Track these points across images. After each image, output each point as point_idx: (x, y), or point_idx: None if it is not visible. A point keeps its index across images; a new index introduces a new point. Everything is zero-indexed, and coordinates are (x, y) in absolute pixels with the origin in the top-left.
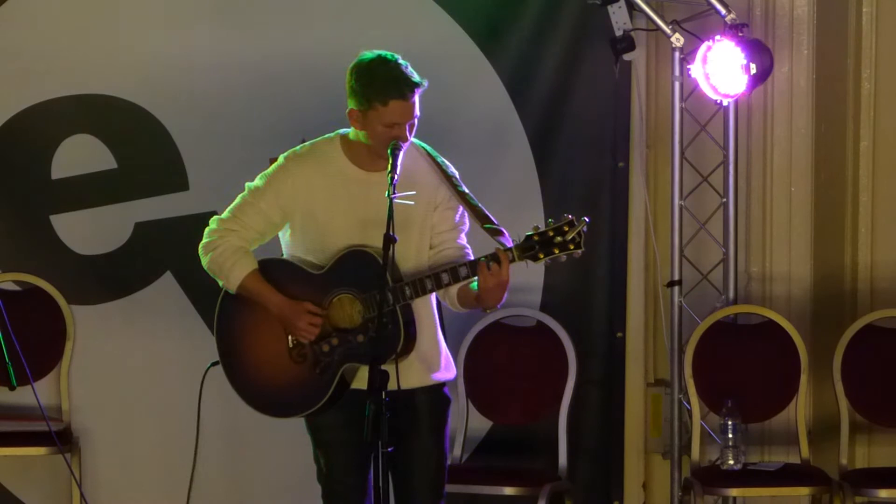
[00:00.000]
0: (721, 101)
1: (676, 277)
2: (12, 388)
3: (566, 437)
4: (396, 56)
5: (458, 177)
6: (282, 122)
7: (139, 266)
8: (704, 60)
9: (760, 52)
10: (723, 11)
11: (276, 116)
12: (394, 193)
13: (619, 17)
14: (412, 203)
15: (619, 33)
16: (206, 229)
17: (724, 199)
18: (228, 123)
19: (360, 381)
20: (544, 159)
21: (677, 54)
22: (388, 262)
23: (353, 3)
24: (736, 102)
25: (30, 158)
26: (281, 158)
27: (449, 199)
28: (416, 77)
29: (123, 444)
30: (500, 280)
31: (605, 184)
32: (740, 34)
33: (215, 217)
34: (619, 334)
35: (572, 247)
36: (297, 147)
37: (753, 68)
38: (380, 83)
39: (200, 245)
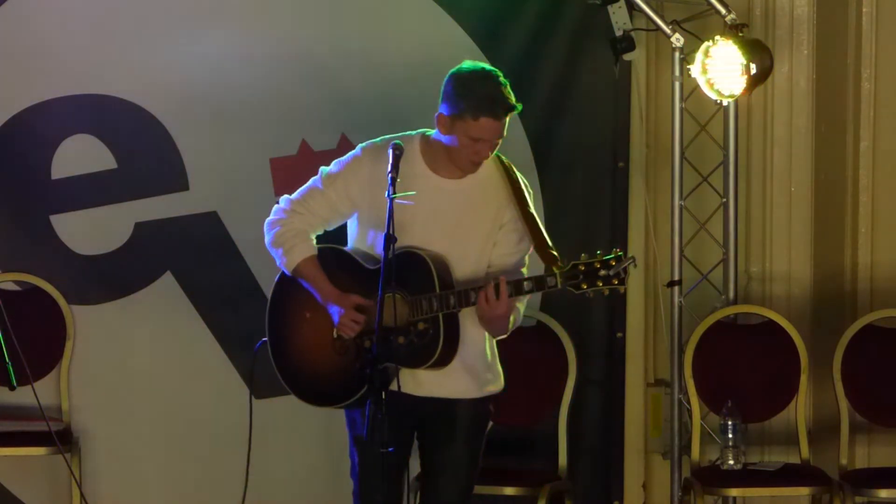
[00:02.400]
0: (721, 101)
1: (676, 277)
2: (12, 388)
3: (566, 437)
4: (498, 73)
5: (530, 197)
6: (282, 123)
7: (139, 266)
8: (704, 60)
9: (760, 52)
10: (723, 11)
11: (276, 116)
12: (394, 193)
13: (619, 17)
14: (412, 203)
15: (619, 33)
16: (274, 207)
17: (724, 199)
18: (228, 123)
19: (406, 385)
20: (544, 159)
21: (677, 54)
22: (388, 261)
23: (354, 3)
24: (736, 102)
25: (30, 158)
26: (357, 149)
27: (515, 220)
28: (512, 99)
29: (123, 444)
30: (495, 313)
31: (605, 184)
32: (740, 34)
33: (285, 196)
34: (619, 334)
35: (616, 282)
36: (377, 139)
37: (753, 68)
38: (476, 97)
39: (266, 221)
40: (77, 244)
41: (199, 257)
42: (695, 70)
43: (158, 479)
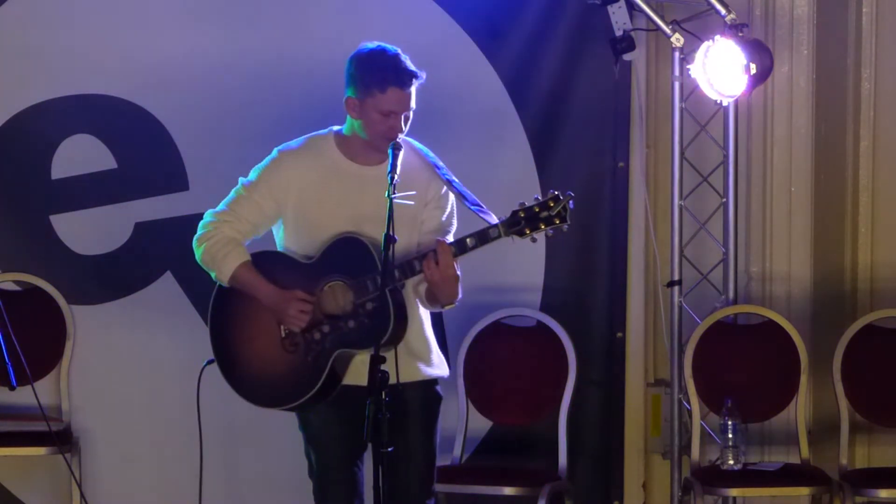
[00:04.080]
0: (721, 101)
1: (676, 277)
2: (12, 388)
3: (566, 437)
4: (396, 48)
5: (444, 167)
6: (282, 122)
7: (139, 266)
8: (704, 60)
9: (760, 52)
10: (723, 11)
11: (276, 116)
12: (394, 193)
13: (619, 17)
14: (412, 203)
15: (619, 33)
16: (200, 222)
17: (724, 199)
18: (228, 123)
19: (352, 376)
20: (544, 159)
21: (677, 54)
22: (388, 262)
23: (353, 2)
24: (736, 102)
25: (30, 158)
26: (274, 152)
27: (438, 197)
28: (413, 67)
29: (123, 444)
30: (446, 274)
31: (605, 184)
32: (740, 34)
33: (209, 211)
34: (619, 334)
35: (558, 221)
36: (293, 141)
37: (753, 68)
38: (379, 71)
39: (194, 238)
40: (77, 244)
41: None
42: (695, 70)
43: (158, 479)
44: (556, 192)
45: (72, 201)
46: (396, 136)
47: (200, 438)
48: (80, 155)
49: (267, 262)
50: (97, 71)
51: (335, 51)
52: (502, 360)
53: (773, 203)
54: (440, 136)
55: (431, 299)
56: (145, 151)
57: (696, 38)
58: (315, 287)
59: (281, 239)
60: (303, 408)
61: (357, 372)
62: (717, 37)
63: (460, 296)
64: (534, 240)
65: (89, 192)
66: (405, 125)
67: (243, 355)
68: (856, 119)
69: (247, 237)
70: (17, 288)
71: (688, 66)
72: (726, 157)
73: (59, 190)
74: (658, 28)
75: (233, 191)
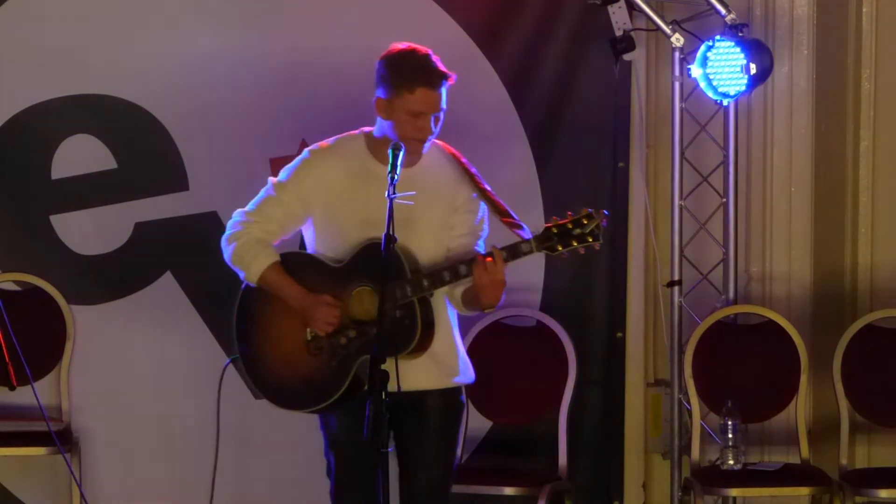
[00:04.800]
0: (721, 101)
1: (676, 277)
2: (12, 388)
3: (566, 437)
4: (428, 49)
5: (478, 175)
6: (282, 122)
7: (139, 266)
8: (704, 60)
9: (760, 52)
10: (723, 11)
11: (277, 116)
12: (394, 193)
13: (619, 17)
14: (412, 203)
15: (619, 33)
16: (229, 221)
17: (724, 199)
18: (228, 124)
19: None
20: (544, 159)
21: (677, 54)
22: (387, 261)
23: (353, 2)
24: (736, 102)
25: (30, 158)
26: (305, 152)
27: (469, 201)
28: (443, 68)
29: (123, 444)
30: (495, 278)
31: (605, 184)
32: (740, 34)
33: (238, 210)
34: (619, 334)
35: (591, 239)
36: (322, 142)
37: (753, 68)
38: (408, 70)
39: (223, 237)
40: (77, 244)
41: (199, 257)
42: (695, 70)
43: (158, 479)
44: (590, 210)
45: (72, 201)
46: (426, 138)
47: (217, 437)
48: (80, 155)
49: (296, 263)
50: (97, 71)
51: (335, 50)
52: (502, 360)
53: (773, 203)
54: (440, 136)
55: (471, 302)
56: (145, 151)
57: (696, 38)
58: (343, 292)
59: (310, 240)
60: (324, 411)
61: None
62: (717, 37)
63: (502, 300)
64: (564, 256)
65: (89, 192)
66: (436, 126)
67: (267, 355)
68: (856, 119)
69: (275, 237)
70: (17, 288)
71: (688, 66)
72: (726, 157)
73: (59, 190)
74: (658, 28)
75: (262, 190)
